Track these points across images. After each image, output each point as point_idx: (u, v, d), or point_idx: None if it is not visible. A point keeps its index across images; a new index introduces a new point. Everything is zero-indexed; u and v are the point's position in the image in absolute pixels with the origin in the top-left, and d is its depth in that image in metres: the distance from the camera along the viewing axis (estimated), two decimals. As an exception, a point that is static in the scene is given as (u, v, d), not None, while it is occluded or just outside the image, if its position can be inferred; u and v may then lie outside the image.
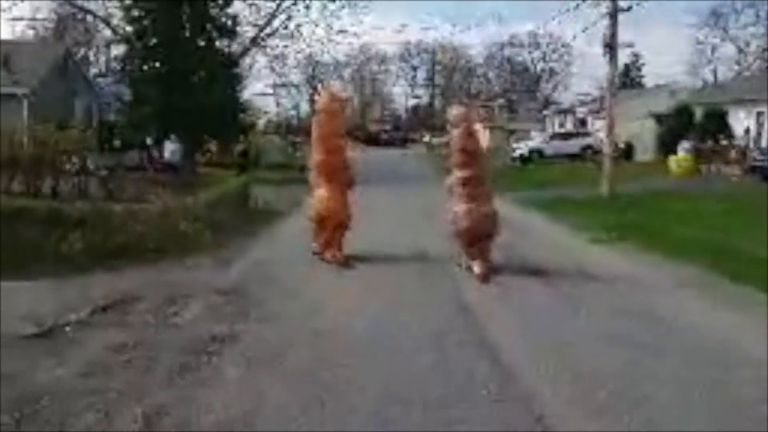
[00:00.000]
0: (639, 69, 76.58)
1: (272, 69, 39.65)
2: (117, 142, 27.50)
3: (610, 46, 18.07)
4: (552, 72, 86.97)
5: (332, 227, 10.21)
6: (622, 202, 17.10)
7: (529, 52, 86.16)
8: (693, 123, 31.01)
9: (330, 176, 10.42)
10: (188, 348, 5.87)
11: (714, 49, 60.59)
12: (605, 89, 57.97)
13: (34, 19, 46.60)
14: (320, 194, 10.42)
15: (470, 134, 9.68)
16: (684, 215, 14.04)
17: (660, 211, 14.88)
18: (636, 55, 75.34)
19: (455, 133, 9.76)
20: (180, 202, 13.10)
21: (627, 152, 33.45)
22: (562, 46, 71.97)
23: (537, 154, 38.53)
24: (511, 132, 64.10)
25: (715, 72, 60.90)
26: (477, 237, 9.35)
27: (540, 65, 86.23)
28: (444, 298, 7.90)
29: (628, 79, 74.88)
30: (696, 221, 13.13)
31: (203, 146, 28.62)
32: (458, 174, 9.61)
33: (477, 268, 9.10)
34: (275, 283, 8.61)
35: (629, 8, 17.80)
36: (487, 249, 9.42)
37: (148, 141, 25.80)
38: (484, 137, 9.66)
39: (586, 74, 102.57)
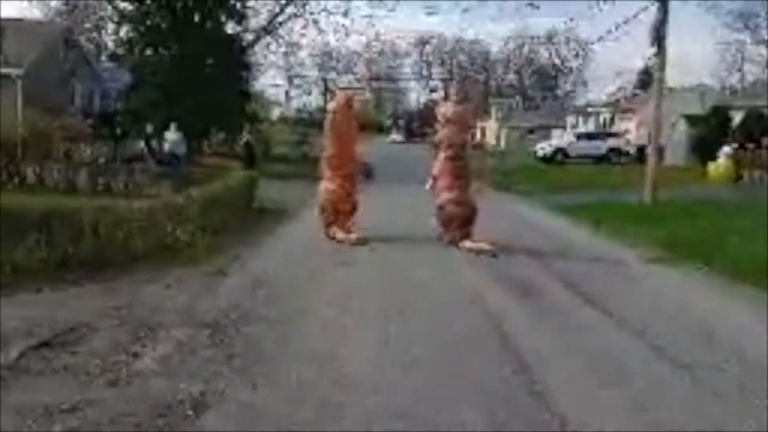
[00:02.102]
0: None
1: (285, 55, 37.78)
2: (117, 131, 25.94)
3: (658, 37, 16.17)
4: (570, 70, 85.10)
5: (338, 213, 11.35)
6: (669, 210, 15.20)
7: (547, 51, 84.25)
8: (729, 126, 29.03)
9: (338, 168, 11.53)
10: (139, 419, 4.14)
11: (743, 49, 58.33)
12: (627, 89, 55.67)
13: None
14: (326, 185, 11.59)
15: (462, 130, 11.36)
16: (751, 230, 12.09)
17: (718, 223, 12.95)
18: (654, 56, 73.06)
19: (449, 127, 11.15)
20: (171, 199, 11.39)
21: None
22: (584, 44, 69.62)
23: (561, 154, 36.65)
24: (530, 131, 62.35)
25: (742, 73, 58.74)
26: (462, 220, 10.77)
27: (558, 62, 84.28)
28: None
29: (649, 80, 72.90)
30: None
31: (208, 137, 26.94)
32: (446, 165, 11.05)
33: (468, 245, 10.49)
34: (276, 310, 6.86)
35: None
36: (470, 229, 10.75)
37: (149, 130, 24.12)
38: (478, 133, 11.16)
39: (607, 73, 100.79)
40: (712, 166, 24.62)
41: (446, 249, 10.76)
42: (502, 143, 65.30)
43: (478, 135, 73.55)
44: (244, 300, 7.13)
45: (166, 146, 22.39)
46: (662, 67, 16.67)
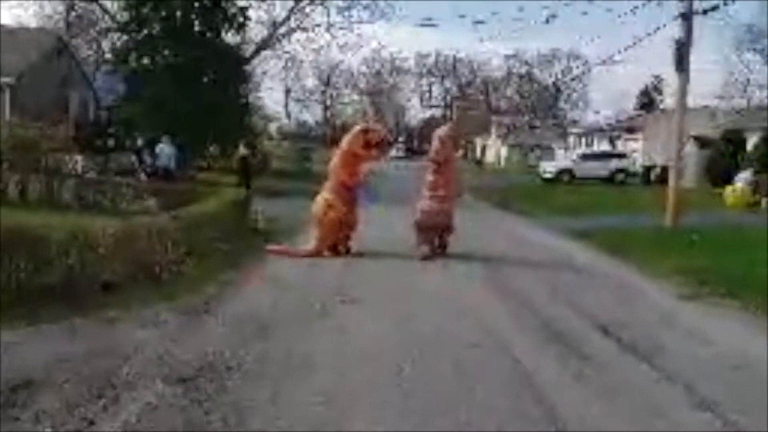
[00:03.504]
0: (660, 91, 73.55)
1: (285, 68, 36.93)
2: (109, 142, 24.98)
3: (680, 53, 15.22)
4: (572, 90, 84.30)
5: (335, 227, 11.43)
6: (694, 237, 14.13)
7: (549, 71, 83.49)
8: (744, 149, 28.08)
9: (339, 180, 11.67)
10: None
11: (749, 70, 57.47)
12: (629, 109, 54.84)
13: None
14: (324, 197, 11.68)
15: (448, 147, 12.24)
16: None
17: (752, 254, 11.89)
18: (657, 77, 72.62)
19: (434, 144, 12.13)
20: (155, 220, 10.35)
21: (664, 177, 30.53)
22: (587, 64, 68.90)
23: (567, 174, 35.67)
24: (531, 149, 61.59)
25: (748, 95, 57.78)
26: (430, 228, 11.60)
27: (559, 81, 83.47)
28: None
29: (650, 101, 72.16)
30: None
31: (204, 150, 25.93)
32: (430, 177, 11.88)
33: (422, 249, 11.44)
34: (268, 357, 5.80)
35: (713, 8, 14.98)
36: (435, 238, 11.64)
37: (140, 142, 23.11)
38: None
39: (609, 93, 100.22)
40: (728, 190, 23.62)
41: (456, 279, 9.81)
42: (503, 161, 64.56)
43: (478, 152, 72.90)
44: (231, 346, 6.07)
45: (158, 159, 21.42)
46: (685, 85, 15.70)
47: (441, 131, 12.61)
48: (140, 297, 7.54)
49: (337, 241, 11.56)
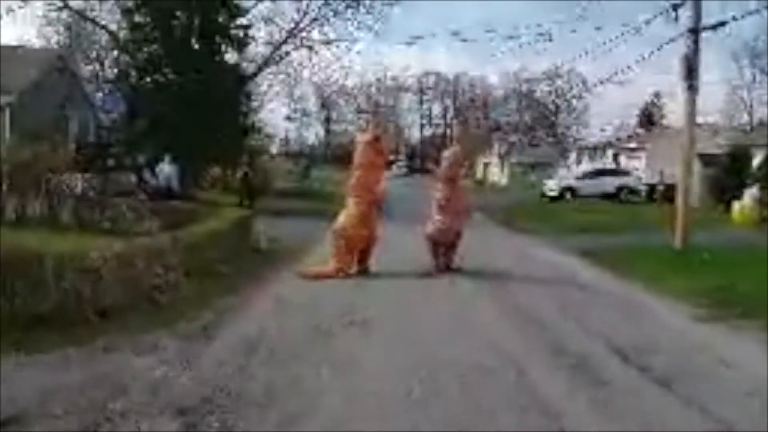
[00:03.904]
0: (660, 108, 73.53)
1: (287, 87, 36.85)
2: (109, 162, 24.78)
3: (690, 69, 15.01)
4: (570, 108, 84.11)
5: (358, 242, 11.45)
6: (705, 256, 13.84)
7: (548, 89, 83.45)
8: (750, 166, 27.83)
9: (361, 196, 11.67)
10: None
11: (750, 87, 57.55)
12: (630, 127, 54.61)
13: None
14: (352, 213, 11.63)
15: (456, 167, 12.64)
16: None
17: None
18: (657, 94, 72.61)
19: (445, 165, 12.54)
20: (153, 241, 10.08)
21: (668, 195, 30.25)
22: (586, 82, 68.87)
23: (569, 191, 35.43)
24: (532, 167, 61.40)
25: (751, 112, 57.84)
26: (438, 243, 12.09)
27: (559, 100, 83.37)
28: None
29: (650, 118, 72.17)
30: None
31: (205, 169, 25.74)
32: (439, 195, 12.32)
33: (434, 263, 11.97)
34: (272, 390, 5.51)
35: (720, 24, 14.76)
36: (441, 253, 12.03)
37: (141, 161, 22.92)
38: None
39: (603, 111, 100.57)
40: (736, 207, 23.34)
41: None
42: (505, 179, 64.35)
43: (480, 171, 72.70)
44: (232, 374, 5.78)
45: (160, 179, 21.21)
46: (693, 101, 15.46)
47: (450, 152, 13.02)
48: (138, 322, 7.26)
49: (358, 258, 11.56)
